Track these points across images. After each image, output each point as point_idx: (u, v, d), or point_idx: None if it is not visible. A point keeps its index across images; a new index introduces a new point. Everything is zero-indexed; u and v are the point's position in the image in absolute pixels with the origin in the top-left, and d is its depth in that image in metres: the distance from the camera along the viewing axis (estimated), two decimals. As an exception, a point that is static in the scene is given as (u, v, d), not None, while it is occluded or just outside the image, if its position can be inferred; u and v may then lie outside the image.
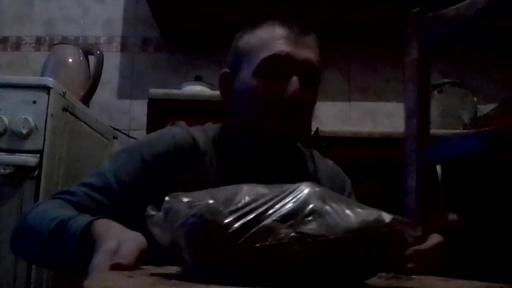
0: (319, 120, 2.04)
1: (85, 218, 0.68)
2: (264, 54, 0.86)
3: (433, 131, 1.64)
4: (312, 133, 1.64)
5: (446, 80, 1.92)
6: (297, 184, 0.46)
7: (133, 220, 0.75)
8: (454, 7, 0.82)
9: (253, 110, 0.86)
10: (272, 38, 0.87)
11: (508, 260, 1.43)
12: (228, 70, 0.94)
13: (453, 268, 1.42)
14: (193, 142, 0.88)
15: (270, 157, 0.90)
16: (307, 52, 0.88)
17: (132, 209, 0.75)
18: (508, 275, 1.39)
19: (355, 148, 1.59)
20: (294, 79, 0.85)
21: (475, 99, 1.90)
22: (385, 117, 2.11)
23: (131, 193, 0.83)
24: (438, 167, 1.54)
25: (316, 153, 1.04)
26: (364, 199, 1.61)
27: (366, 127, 2.08)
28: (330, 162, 1.05)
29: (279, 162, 0.92)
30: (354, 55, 2.21)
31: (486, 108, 1.99)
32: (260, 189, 0.46)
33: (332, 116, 2.15)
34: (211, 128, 0.95)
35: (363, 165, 1.57)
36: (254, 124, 0.87)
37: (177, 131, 0.89)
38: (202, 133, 0.92)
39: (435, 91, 1.91)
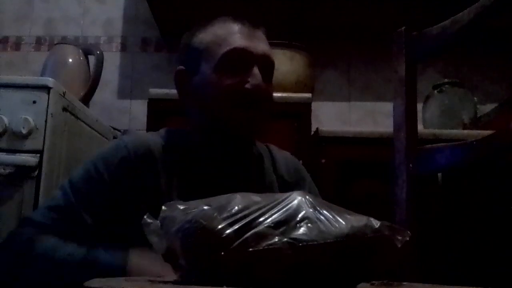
0: (319, 120, 2.05)
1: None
2: (224, 49, 0.89)
3: (433, 131, 1.66)
4: (312, 133, 1.64)
5: (446, 80, 1.92)
6: (289, 193, 0.47)
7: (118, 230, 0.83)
8: (438, 25, 0.85)
9: (216, 102, 0.88)
10: (228, 34, 0.90)
11: (509, 262, 1.43)
12: (183, 68, 0.95)
13: (451, 272, 1.43)
14: (146, 147, 0.90)
15: (228, 152, 0.93)
16: (262, 45, 0.92)
17: (104, 219, 0.82)
18: (509, 278, 1.39)
19: (355, 148, 1.59)
20: (256, 70, 0.88)
21: (475, 99, 1.90)
22: (385, 117, 2.11)
23: (94, 206, 0.85)
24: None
25: (272, 146, 1.07)
26: (364, 199, 1.61)
27: (366, 127, 2.08)
28: (287, 154, 1.08)
29: (236, 158, 0.95)
30: (354, 55, 2.21)
31: (486, 108, 1.99)
32: (253, 197, 0.47)
33: (332, 116, 2.15)
34: (167, 131, 0.97)
35: (363, 165, 1.57)
36: (217, 116, 0.89)
37: (128, 139, 0.91)
38: (156, 138, 0.94)
39: (435, 91, 1.91)
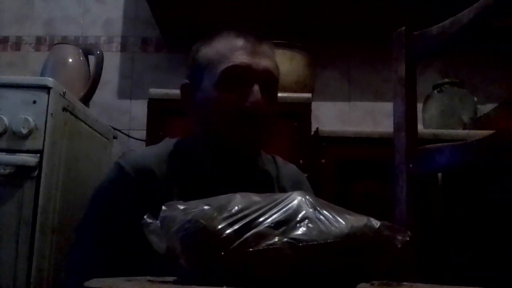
0: (319, 120, 2.05)
1: None
2: (224, 66, 0.89)
3: (433, 131, 1.66)
4: (312, 133, 1.64)
5: (446, 80, 1.92)
6: (289, 193, 0.47)
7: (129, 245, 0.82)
8: (439, 25, 0.85)
9: (216, 120, 0.89)
10: (230, 50, 0.90)
11: (509, 263, 1.43)
12: (188, 82, 0.96)
13: (451, 272, 1.43)
14: (145, 166, 0.90)
15: (231, 165, 0.93)
16: (265, 61, 0.91)
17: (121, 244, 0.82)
18: (509, 278, 1.39)
19: (355, 148, 1.58)
20: (255, 88, 0.87)
21: (475, 99, 1.90)
22: (385, 117, 2.11)
23: (109, 233, 0.86)
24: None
25: (278, 158, 1.06)
26: (364, 199, 1.61)
27: (366, 127, 2.08)
28: (293, 167, 1.07)
29: (240, 170, 0.94)
30: (354, 55, 2.21)
31: (486, 108, 1.99)
32: (253, 197, 0.47)
33: (332, 116, 2.15)
34: (169, 144, 0.97)
35: (363, 165, 1.57)
36: (217, 133, 0.89)
37: (124, 162, 0.90)
38: (157, 153, 0.94)
39: (435, 91, 1.91)
